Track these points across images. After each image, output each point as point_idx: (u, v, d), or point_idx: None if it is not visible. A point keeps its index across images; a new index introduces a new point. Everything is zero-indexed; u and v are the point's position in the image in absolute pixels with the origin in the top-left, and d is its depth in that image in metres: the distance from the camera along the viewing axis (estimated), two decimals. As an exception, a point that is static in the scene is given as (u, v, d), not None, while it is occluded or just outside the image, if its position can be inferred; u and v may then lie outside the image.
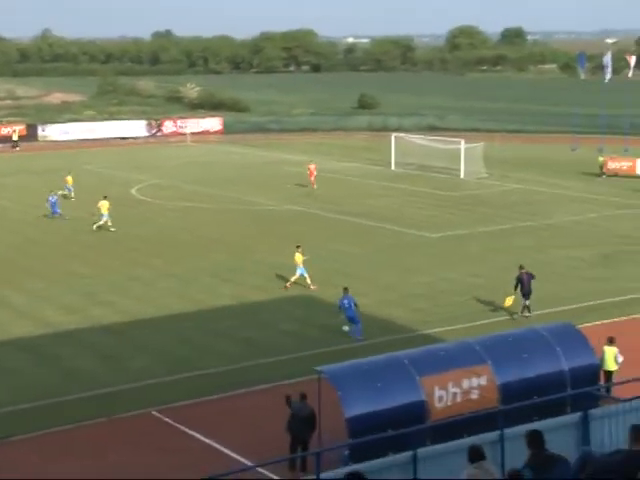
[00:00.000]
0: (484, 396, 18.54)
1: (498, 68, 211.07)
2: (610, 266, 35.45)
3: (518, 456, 12.65)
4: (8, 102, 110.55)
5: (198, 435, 20.82)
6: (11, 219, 46.08)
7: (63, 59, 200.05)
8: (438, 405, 18.19)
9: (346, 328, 27.40)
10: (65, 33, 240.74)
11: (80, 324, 28.95)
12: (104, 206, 42.28)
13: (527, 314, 28.84)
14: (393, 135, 65.29)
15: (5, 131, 78.58)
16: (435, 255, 37.34)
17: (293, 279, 32.53)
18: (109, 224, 42.17)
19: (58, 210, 44.99)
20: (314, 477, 13.45)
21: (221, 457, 19.64)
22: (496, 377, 18.81)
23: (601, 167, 58.32)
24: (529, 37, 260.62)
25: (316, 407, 18.75)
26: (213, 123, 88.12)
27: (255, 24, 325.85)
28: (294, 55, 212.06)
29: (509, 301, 28.82)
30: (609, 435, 15.04)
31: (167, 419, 21.74)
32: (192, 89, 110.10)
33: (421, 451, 14.43)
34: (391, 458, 14.36)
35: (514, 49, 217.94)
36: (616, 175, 57.42)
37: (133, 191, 53.80)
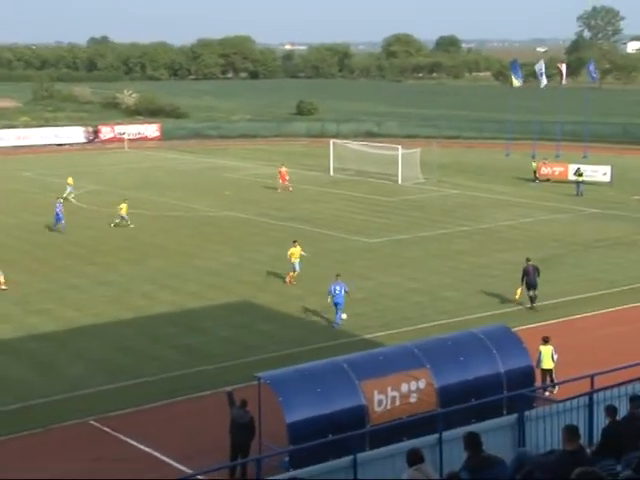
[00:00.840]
0: (423, 400, 18.72)
1: (434, 75, 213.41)
2: (545, 269, 36.06)
3: (456, 458, 12.84)
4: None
5: (137, 444, 20.61)
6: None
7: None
8: (378, 409, 18.31)
9: (344, 316, 28.62)
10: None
11: (15, 333, 28.46)
12: (124, 208, 44.09)
13: (531, 305, 30.30)
14: (331, 141, 65.62)
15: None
16: (374, 260, 37.58)
17: (294, 274, 33.13)
18: (128, 222, 44.10)
19: (62, 219, 43.16)
20: (255, 483, 13.45)
21: (161, 465, 19.49)
22: (435, 380, 19.01)
23: (535, 172, 59.43)
24: (463, 45, 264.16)
25: (256, 413, 18.73)
26: (151, 129, 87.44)
27: (192, 30, 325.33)
28: (232, 62, 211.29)
29: (518, 293, 30.28)
30: (544, 436, 15.32)
31: (105, 428, 21.49)
32: (130, 95, 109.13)
33: (361, 455, 14.53)
34: (331, 463, 14.43)
35: (449, 57, 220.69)
36: (549, 180, 58.52)
37: (70, 198, 53.07)
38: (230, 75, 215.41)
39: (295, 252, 33.85)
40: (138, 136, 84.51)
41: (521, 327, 26.92)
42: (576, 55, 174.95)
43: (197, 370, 25.17)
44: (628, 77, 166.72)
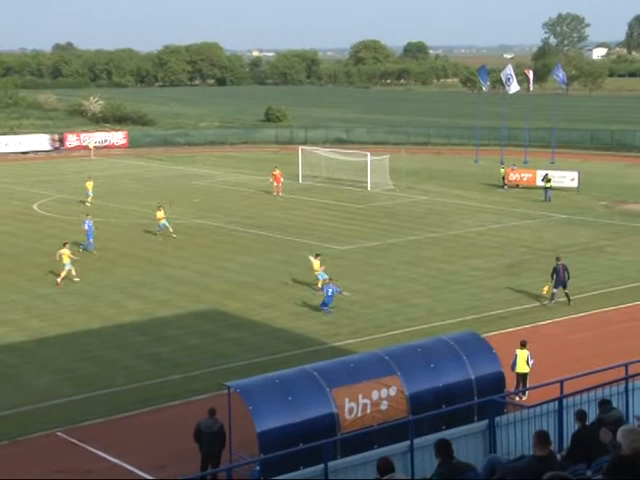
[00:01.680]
0: (394, 407, 18.67)
1: (402, 81, 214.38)
2: (514, 275, 36.25)
3: (428, 465, 12.81)
4: None
5: (105, 455, 20.37)
6: None
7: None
8: (349, 417, 18.23)
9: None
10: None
11: (-19, 344, 28.09)
12: (160, 215, 43.80)
13: (567, 302, 31.63)
14: (300, 148, 65.60)
15: None
16: (344, 267, 37.53)
17: (320, 285, 33.19)
18: (171, 230, 43.38)
19: (92, 239, 40.23)
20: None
21: (130, 477, 19.27)
22: (405, 387, 18.97)
23: (503, 178, 59.76)
24: (431, 51, 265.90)
25: (226, 423, 18.59)
26: (118, 137, 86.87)
27: (158, 37, 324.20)
28: (199, 68, 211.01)
29: (546, 289, 31.50)
30: (514, 441, 15.35)
31: (73, 439, 21.21)
32: (96, 102, 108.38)
33: (332, 464, 14.46)
34: (303, 472, 14.35)
35: (417, 63, 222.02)
36: (517, 186, 58.87)
37: (35, 206, 52.61)
38: (197, 82, 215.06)
39: (317, 264, 33.81)
40: (105, 143, 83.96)
41: (491, 333, 27.06)
42: (542, 61, 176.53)
43: (166, 379, 24.96)
44: (594, 83, 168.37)
